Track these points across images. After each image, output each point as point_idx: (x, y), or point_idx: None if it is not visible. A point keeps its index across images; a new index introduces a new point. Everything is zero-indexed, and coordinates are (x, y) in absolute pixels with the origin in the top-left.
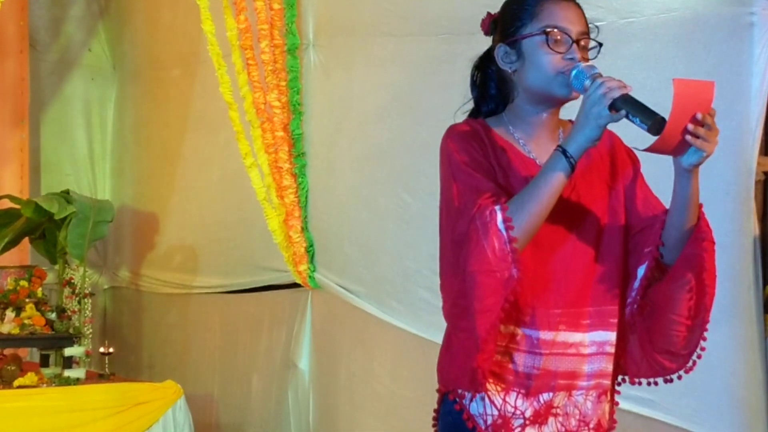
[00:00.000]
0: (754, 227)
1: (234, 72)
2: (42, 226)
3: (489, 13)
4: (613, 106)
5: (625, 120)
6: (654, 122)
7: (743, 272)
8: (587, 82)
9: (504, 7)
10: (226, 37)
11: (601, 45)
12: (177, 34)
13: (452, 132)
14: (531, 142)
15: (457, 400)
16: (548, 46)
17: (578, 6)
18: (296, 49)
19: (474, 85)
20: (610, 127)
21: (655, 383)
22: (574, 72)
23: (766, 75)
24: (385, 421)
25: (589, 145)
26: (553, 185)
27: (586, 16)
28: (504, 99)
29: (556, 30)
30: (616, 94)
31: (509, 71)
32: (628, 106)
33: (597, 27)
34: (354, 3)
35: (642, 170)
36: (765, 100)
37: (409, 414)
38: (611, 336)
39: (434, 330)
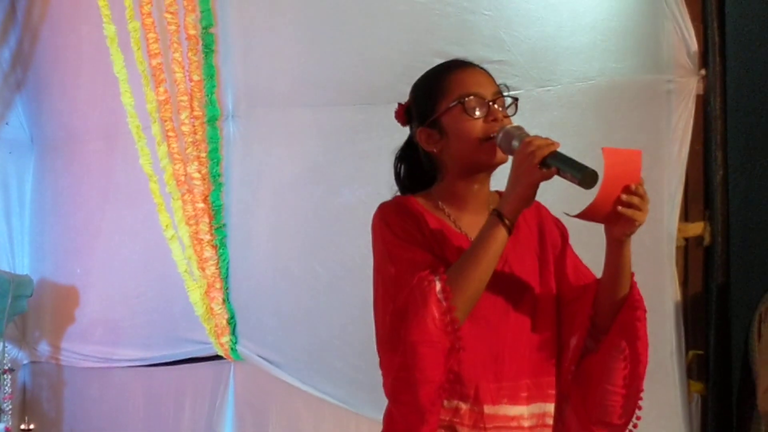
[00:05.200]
0: (675, 293)
1: (154, 144)
2: None
3: (399, 104)
4: (544, 164)
5: (555, 189)
6: (585, 175)
7: (665, 338)
8: (515, 143)
9: (414, 92)
10: (146, 108)
11: (516, 99)
12: (96, 106)
13: (383, 209)
14: (462, 216)
15: None
16: (467, 114)
17: (483, 69)
18: (216, 120)
19: (398, 177)
20: (539, 199)
21: None
22: (500, 134)
23: (684, 141)
24: None
25: (523, 205)
26: (491, 249)
27: (505, 84)
28: (432, 180)
29: (470, 97)
30: (545, 151)
31: (435, 152)
32: (558, 162)
33: (506, 86)
34: (273, 74)
35: (571, 240)
36: (684, 167)
37: None
38: (550, 407)
39: (353, 399)
